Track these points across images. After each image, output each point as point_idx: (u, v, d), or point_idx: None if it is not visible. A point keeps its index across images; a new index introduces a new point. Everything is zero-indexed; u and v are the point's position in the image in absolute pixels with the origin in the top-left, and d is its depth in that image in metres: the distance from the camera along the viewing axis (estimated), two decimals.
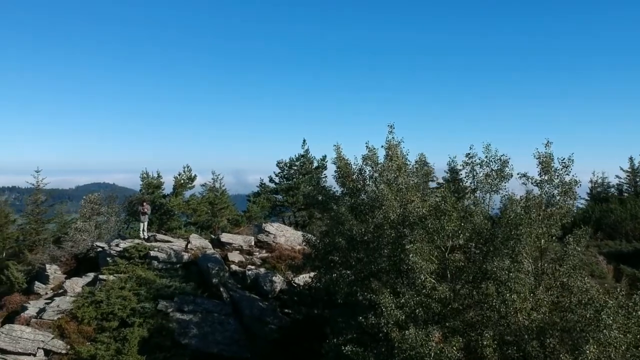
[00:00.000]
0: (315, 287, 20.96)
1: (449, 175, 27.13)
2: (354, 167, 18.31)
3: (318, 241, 18.83)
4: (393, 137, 17.69)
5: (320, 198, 19.81)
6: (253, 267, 24.30)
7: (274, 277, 23.14)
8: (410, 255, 13.67)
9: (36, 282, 24.34)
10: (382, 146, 17.78)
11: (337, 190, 19.53)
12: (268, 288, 22.62)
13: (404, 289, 14.69)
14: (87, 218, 28.51)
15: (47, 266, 24.73)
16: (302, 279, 23.23)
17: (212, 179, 34.75)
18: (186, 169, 31.85)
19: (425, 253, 14.10)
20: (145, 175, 32.26)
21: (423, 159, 18.10)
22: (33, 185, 33.36)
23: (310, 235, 20.18)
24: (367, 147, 17.43)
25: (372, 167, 17.50)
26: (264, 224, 27.41)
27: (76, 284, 22.40)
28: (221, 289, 22.09)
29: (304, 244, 20.99)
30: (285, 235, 26.85)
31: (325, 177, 34.24)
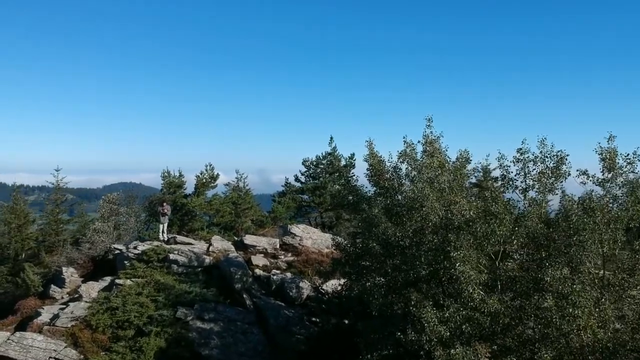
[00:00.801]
0: (345, 295, 19.46)
1: (481, 174, 25.46)
2: (387, 164, 16.73)
3: (349, 245, 17.25)
4: (431, 132, 16.04)
5: (350, 198, 18.22)
6: (278, 271, 22.86)
7: (300, 283, 21.64)
8: (457, 264, 12.05)
9: (52, 286, 23.29)
10: (418, 141, 16.15)
11: (368, 190, 17.94)
12: (294, 295, 21.13)
13: (448, 301, 13.07)
14: (105, 219, 27.39)
15: (64, 269, 23.66)
16: (331, 285, 21.76)
17: (236, 178, 33.48)
18: (208, 167, 30.54)
19: (474, 261, 12.45)
20: (166, 174, 31.06)
21: (466, 156, 16.31)
22: (53, 184, 32.51)
23: (340, 239, 18.59)
24: (404, 142, 15.81)
25: (410, 165, 15.84)
26: (289, 226, 25.92)
27: (92, 289, 21.23)
28: (244, 295, 20.70)
29: (333, 247, 19.45)
30: (312, 238, 25.35)
31: (354, 175, 32.78)
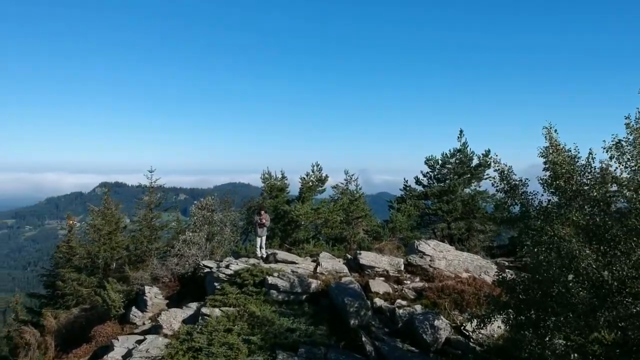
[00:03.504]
0: (504, 347, 13.90)
1: None
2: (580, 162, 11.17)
3: (524, 281, 11.70)
4: None
5: (518, 210, 12.67)
6: (404, 302, 17.65)
7: (436, 321, 16.21)
8: None
9: (133, 308, 19.75)
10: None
11: (543, 200, 12.31)
12: (429, 337, 15.74)
13: None
14: (197, 228, 23.53)
15: (147, 289, 20.02)
16: (475, 324, 16.11)
17: (345, 180, 28.70)
18: (315, 168, 25.86)
19: None
20: (267, 175, 26.86)
21: None
22: (145, 186, 29.45)
23: (509, 272, 13.02)
24: (627, 124, 9.98)
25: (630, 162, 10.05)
26: (416, 242, 20.52)
27: (174, 318, 17.19)
28: (362, 337, 15.63)
29: (494, 280, 13.81)
30: (447, 258, 19.83)
31: (488, 177, 26.82)
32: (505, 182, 12.99)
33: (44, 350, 21.97)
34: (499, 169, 13.01)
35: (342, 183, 28.95)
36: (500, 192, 13.22)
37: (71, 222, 29.51)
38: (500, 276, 12.54)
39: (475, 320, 13.76)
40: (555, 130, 11.80)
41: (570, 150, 11.56)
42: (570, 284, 10.16)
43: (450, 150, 26.83)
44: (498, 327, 15.29)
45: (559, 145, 11.67)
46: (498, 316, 13.03)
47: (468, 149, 26.69)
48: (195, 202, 25.91)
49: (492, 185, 13.23)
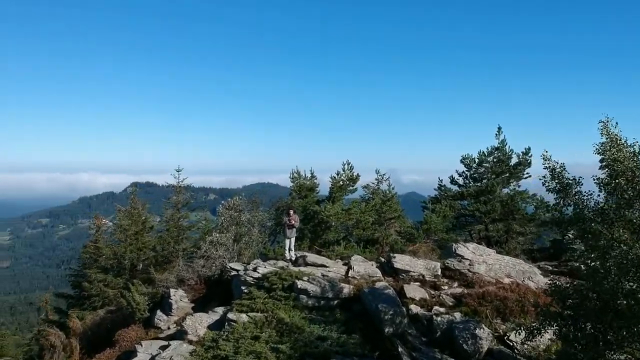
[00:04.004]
0: None
1: None
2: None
3: (572, 289, 10.58)
4: None
5: (572, 211, 11.54)
6: (442, 309, 16.55)
7: (476, 330, 15.09)
8: None
9: (158, 312, 19.04)
10: None
11: (600, 200, 11.19)
12: (470, 347, 14.64)
13: None
14: (224, 228, 22.77)
15: (172, 292, 19.30)
16: (519, 334, 14.92)
17: (376, 179, 27.63)
18: (346, 167, 24.83)
19: None
20: (296, 174, 25.98)
21: None
22: (172, 185, 28.89)
23: (563, 281, 11.87)
24: None
25: None
26: (454, 245, 19.35)
27: (199, 323, 16.40)
28: (398, 347, 14.62)
29: (545, 289, 12.65)
30: (487, 262, 18.63)
31: (528, 176, 25.50)
32: (556, 180, 11.85)
33: (69, 353, 21.52)
34: (549, 167, 11.88)
35: (373, 183, 27.93)
36: (552, 192, 12.09)
37: (98, 221, 29.07)
38: (555, 284, 11.39)
39: (523, 331, 12.65)
40: (616, 124, 10.71)
41: (633, 146, 10.45)
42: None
43: (487, 148, 25.52)
44: (549, 339, 14.17)
45: (620, 140, 10.56)
46: (549, 328, 11.94)
47: (507, 146, 25.36)
48: (222, 201, 25.20)
49: (543, 184, 12.08)
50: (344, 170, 24.96)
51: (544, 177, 11.95)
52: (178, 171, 28.80)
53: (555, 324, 11.47)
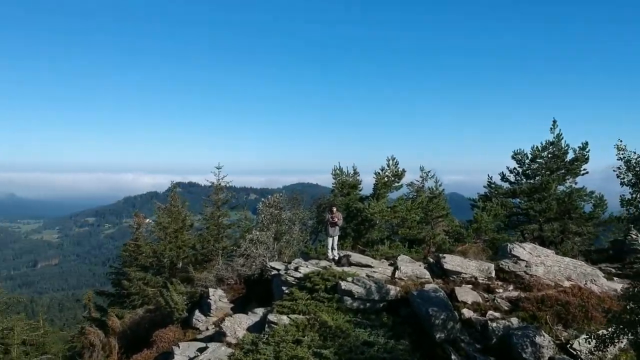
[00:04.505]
0: None
1: None
2: None
3: None
4: None
5: None
6: (497, 313, 15.33)
7: (537, 337, 13.82)
8: None
9: (196, 312, 18.41)
10: None
11: None
12: (529, 356, 13.39)
13: None
14: (264, 226, 22.02)
15: (211, 291, 18.66)
16: (587, 342, 13.59)
17: (420, 176, 26.50)
18: (391, 162, 23.68)
19: None
20: (338, 171, 25.03)
21: None
22: (212, 183, 28.36)
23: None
24: None
25: None
26: (509, 245, 18.02)
27: (239, 325, 15.65)
28: (451, 354, 13.53)
29: (621, 290, 11.36)
30: (545, 264, 17.27)
31: (586, 172, 23.87)
32: (633, 173, 10.59)
33: (107, 352, 21.17)
34: (624, 157, 10.63)
35: (417, 180, 26.80)
36: (627, 185, 10.82)
37: (138, 219, 28.78)
38: (635, 288, 10.12)
39: (593, 339, 11.40)
40: None
41: None
42: None
43: (541, 143, 23.95)
44: (618, 349, 12.85)
45: None
46: (624, 337, 10.69)
47: (562, 141, 23.75)
48: (262, 199, 24.47)
49: (617, 176, 10.83)
50: (388, 166, 23.82)
51: (619, 168, 10.73)
52: (218, 168, 28.27)
53: (630, 333, 10.25)
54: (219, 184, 28.14)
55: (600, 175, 23.71)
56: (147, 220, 31.69)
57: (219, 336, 15.66)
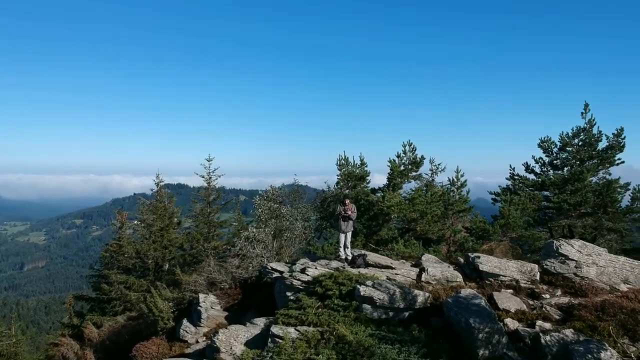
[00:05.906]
0: None
1: None
2: None
3: None
4: None
5: None
6: (547, 324, 12.67)
7: (601, 353, 11.16)
8: None
9: (184, 322, 15.62)
10: None
11: None
12: None
13: None
14: (262, 222, 19.26)
15: (201, 297, 15.89)
16: None
17: (430, 169, 23.90)
18: (408, 147, 20.91)
19: None
20: (343, 161, 22.31)
21: None
22: (203, 177, 25.60)
23: None
24: None
25: None
26: (556, 243, 15.31)
27: (235, 338, 12.88)
28: None
29: None
30: (597, 264, 14.64)
31: (622, 161, 21.34)
32: None
33: None
34: None
35: (426, 174, 24.16)
36: None
37: (120, 217, 25.93)
38: None
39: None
40: None
41: None
42: None
43: (572, 129, 21.39)
44: None
45: None
46: None
47: (595, 127, 21.21)
48: (260, 191, 21.71)
49: None
50: (404, 152, 21.09)
51: None
52: (209, 160, 25.55)
53: None
54: (209, 177, 25.45)
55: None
56: (135, 222, 28.86)
57: (211, 351, 12.89)
